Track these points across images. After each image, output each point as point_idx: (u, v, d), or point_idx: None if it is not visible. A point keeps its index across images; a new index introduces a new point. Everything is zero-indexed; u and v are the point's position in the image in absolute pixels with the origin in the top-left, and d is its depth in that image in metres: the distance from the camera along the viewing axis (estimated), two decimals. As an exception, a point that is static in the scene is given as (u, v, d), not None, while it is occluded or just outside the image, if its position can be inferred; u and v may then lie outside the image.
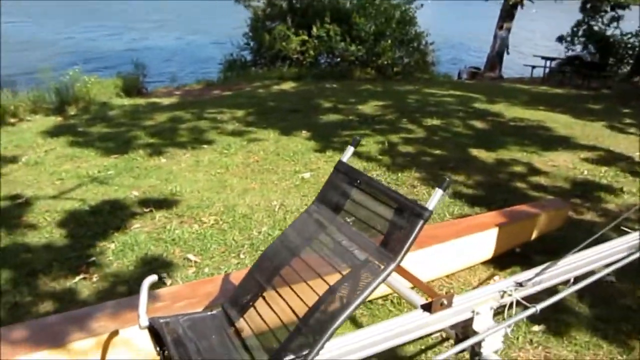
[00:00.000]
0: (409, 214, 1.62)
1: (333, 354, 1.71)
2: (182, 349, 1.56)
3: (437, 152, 5.33)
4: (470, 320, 1.97)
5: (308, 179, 4.57)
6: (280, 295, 1.77)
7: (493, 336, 1.96)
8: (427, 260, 2.90)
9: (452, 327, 2.04)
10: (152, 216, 3.87)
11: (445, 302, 1.87)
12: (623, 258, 2.26)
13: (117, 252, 3.37)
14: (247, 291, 1.86)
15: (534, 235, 3.31)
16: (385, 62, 10.72)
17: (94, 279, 3.09)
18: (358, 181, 1.86)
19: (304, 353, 1.50)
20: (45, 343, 1.97)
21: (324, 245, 1.81)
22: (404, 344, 2.08)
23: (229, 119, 6.75)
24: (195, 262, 3.25)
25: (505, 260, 3.20)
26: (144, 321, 1.63)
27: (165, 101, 8.32)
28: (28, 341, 1.96)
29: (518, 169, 4.91)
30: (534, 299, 2.00)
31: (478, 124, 6.50)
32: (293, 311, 1.66)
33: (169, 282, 3.05)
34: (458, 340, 2.03)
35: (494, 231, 3.09)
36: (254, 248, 3.39)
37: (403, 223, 1.62)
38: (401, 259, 1.58)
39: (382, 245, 1.66)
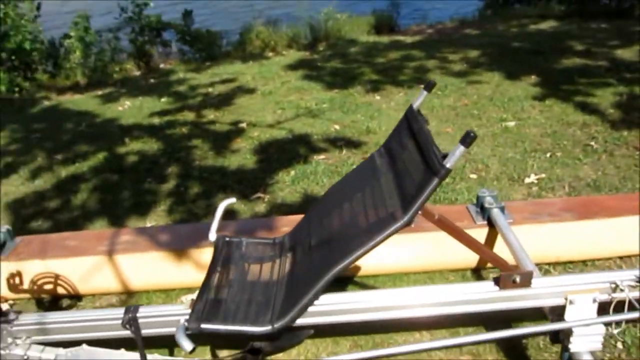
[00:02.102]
0: (428, 170, 1.45)
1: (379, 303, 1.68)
2: (226, 268, 1.71)
3: (692, 110, 4.33)
4: (562, 308, 1.69)
5: (511, 128, 4.21)
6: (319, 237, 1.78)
7: (590, 333, 1.66)
8: (596, 233, 2.49)
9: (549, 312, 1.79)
10: (340, 150, 4.07)
11: (518, 279, 1.64)
12: None
13: (294, 179, 3.67)
14: (301, 228, 1.91)
15: None
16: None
17: (266, 199, 3.45)
18: (414, 129, 1.71)
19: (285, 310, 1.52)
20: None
21: (368, 195, 1.74)
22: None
23: (459, 59, 6.49)
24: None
25: None
26: (212, 236, 1.82)
27: (409, 39, 8.32)
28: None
29: None
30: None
31: None
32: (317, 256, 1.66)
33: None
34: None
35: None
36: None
37: (421, 179, 1.47)
38: (409, 219, 1.44)
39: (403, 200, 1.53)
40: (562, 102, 4.67)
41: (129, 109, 5.78)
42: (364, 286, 2.54)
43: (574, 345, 1.67)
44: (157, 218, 3.39)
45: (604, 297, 1.69)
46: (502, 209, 2.47)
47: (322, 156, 4.00)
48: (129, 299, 2.59)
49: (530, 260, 2.08)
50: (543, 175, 3.43)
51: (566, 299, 1.69)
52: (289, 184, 3.63)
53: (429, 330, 2.27)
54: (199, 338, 1.64)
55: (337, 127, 4.57)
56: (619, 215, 2.47)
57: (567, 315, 1.69)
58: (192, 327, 1.57)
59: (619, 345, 2.17)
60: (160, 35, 7.91)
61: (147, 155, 4.39)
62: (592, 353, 1.69)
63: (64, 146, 4.79)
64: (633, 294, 1.68)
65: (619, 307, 1.72)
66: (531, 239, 2.46)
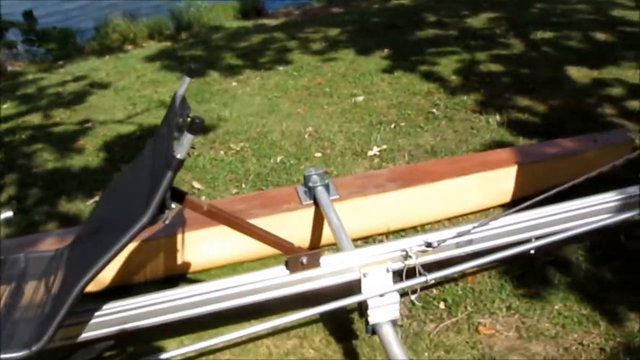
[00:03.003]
0: (165, 163, 1.36)
1: (169, 304, 1.58)
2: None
3: (525, 71, 4.57)
4: (358, 282, 1.67)
5: (360, 102, 4.25)
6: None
7: (386, 303, 1.64)
8: (420, 199, 2.53)
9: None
10: (188, 141, 3.89)
11: (305, 260, 1.59)
12: (582, 226, 1.73)
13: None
14: (77, 234, 1.77)
15: (574, 176, 2.69)
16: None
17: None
18: (168, 117, 1.61)
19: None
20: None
21: (127, 194, 1.62)
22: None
23: (320, 38, 6.48)
24: (198, 189, 3.23)
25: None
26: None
27: (274, 22, 8.22)
28: None
29: (617, 90, 4.02)
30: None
31: (600, 36, 5.41)
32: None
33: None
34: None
35: (509, 170, 2.58)
36: (260, 178, 3.27)
37: (159, 173, 1.37)
38: (149, 218, 1.34)
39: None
40: (410, 72, 4.78)
41: (-37, 120, 5.25)
42: (192, 282, 2.43)
43: (372, 317, 1.66)
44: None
45: (397, 266, 1.69)
46: (327, 187, 2.44)
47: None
48: None
49: (347, 237, 2.07)
50: (385, 147, 3.47)
51: (360, 272, 1.67)
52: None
53: (259, 318, 2.20)
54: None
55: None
56: (441, 179, 2.53)
57: (363, 288, 1.67)
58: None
59: (441, 305, 2.22)
60: (4, 36, 7.27)
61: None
62: (392, 322, 1.69)
63: None
64: (424, 259, 1.69)
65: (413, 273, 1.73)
66: (359, 212, 2.47)
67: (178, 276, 2.48)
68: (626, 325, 2.03)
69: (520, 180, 2.57)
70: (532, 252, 1.81)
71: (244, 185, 3.21)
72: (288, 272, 1.64)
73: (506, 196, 2.61)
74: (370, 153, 3.42)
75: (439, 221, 2.65)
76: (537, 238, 1.81)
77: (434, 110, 3.94)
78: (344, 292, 1.77)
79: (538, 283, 2.27)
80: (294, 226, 2.41)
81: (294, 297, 1.81)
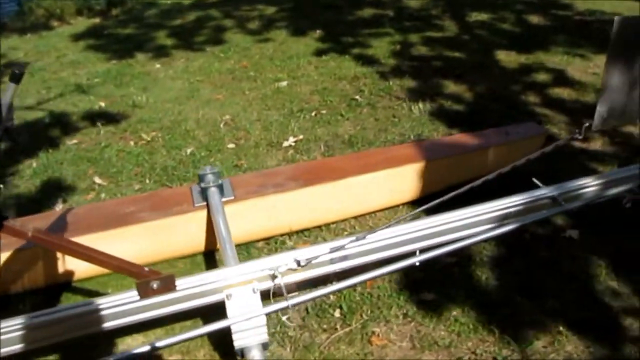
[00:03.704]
0: None
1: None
2: None
3: (455, 54, 4.48)
4: (223, 304, 1.52)
5: (283, 88, 4.07)
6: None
7: (253, 327, 1.50)
8: (322, 198, 2.39)
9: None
10: (97, 131, 3.67)
11: (156, 285, 1.43)
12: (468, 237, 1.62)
13: (36, 171, 3.23)
14: None
15: (488, 170, 2.60)
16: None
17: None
18: None
19: None
20: None
21: None
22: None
23: (255, 16, 6.25)
24: (100, 185, 3.02)
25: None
26: None
27: (212, -2, 7.90)
28: None
29: (542, 77, 3.97)
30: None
31: (534, 19, 5.37)
32: None
33: (59, 207, 2.85)
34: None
35: (415, 167, 2.46)
36: (167, 172, 3.07)
37: None
38: None
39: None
40: (340, 55, 4.63)
41: None
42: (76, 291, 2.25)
43: (238, 341, 1.52)
44: None
45: (265, 286, 1.55)
46: (221, 187, 2.28)
47: (75, 140, 3.57)
48: None
49: (231, 246, 1.92)
50: (302, 137, 3.32)
51: (224, 294, 1.52)
52: (27, 178, 3.18)
53: (142, 332, 2.05)
54: None
55: (102, 104, 4.14)
56: (344, 177, 2.40)
57: (229, 311, 1.53)
58: None
59: (337, 313, 2.11)
60: None
61: None
62: (262, 345, 1.55)
63: None
64: (294, 277, 1.56)
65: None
66: (258, 213, 2.33)
67: (61, 285, 2.29)
68: (521, 333, 1.96)
69: (428, 177, 2.47)
70: (417, 264, 1.69)
71: (147, 181, 3.01)
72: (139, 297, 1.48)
73: (413, 193, 2.50)
74: (285, 144, 3.26)
75: (345, 220, 2.53)
76: (423, 250, 1.70)
77: (358, 96, 3.80)
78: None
79: (438, 287, 2.18)
80: (186, 230, 2.25)
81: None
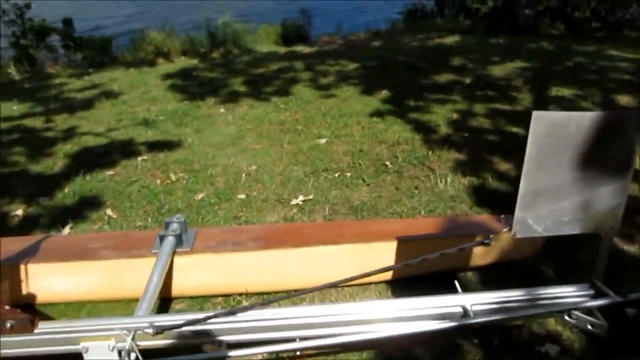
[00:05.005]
0: None
1: None
2: None
3: (513, 129, 4.20)
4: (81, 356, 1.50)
5: (320, 145, 4.06)
6: None
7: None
8: (281, 263, 2.32)
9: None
10: (136, 165, 3.87)
11: (11, 324, 1.44)
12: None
13: (66, 195, 3.47)
14: None
15: (481, 262, 2.38)
16: (582, 15, 8.73)
17: (23, 213, 3.24)
18: None
19: None
20: None
21: None
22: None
23: (334, 71, 6.35)
24: (109, 217, 3.17)
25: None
26: None
27: (307, 50, 8.20)
28: None
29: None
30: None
31: (622, 99, 4.92)
32: None
33: (66, 231, 3.02)
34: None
35: (387, 245, 2.30)
36: (171, 214, 3.14)
37: None
38: None
39: None
40: (393, 118, 4.54)
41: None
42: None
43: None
44: None
45: (123, 345, 1.50)
46: (179, 237, 2.28)
47: (111, 171, 3.79)
48: None
49: (150, 300, 1.90)
50: (311, 197, 3.26)
51: (82, 346, 1.50)
52: (57, 199, 3.43)
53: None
54: None
55: (155, 139, 4.37)
56: (306, 245, 2.30)
57: (86, 364, 1.50)
58: None
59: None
60: (44, 39, 7.66)
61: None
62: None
63: None
64: (151, 343, 1.49)
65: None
66: (214, 269, 2.31)
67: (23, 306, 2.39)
68: None
69: (401, 257, 2.29)
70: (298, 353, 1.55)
71: (150, 220, 3.11)
72: (-7, 337, 1.50)
73: (383, 273, 2.33)
74: (293, 202, 3.22)
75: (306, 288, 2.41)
76: (303, 339, 1.56)
77: (389, 162, 3.68)
78: None
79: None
80: (135, 273, 2.26)
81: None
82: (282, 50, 8.31)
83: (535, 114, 1.40)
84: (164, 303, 2.39)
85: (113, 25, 11.53)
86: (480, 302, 1.56)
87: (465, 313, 1.54)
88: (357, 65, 6.62)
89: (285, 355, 1.64)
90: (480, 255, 2.32)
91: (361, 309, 1.61)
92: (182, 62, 7.60)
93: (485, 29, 9.04)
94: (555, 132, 1.43)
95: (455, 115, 4.58)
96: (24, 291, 2.33)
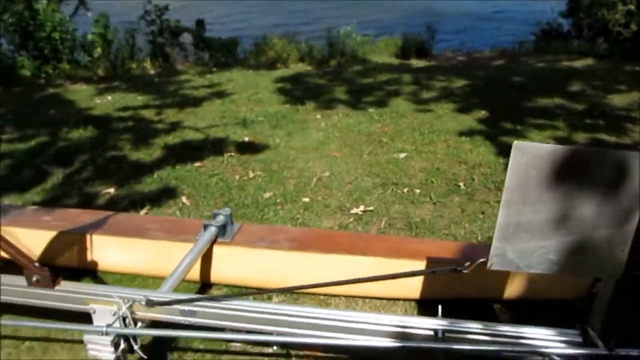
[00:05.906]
0: None
1: None
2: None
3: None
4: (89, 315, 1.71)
5: (399, 159, 4.06)
6: None
7: (103, 343, 1.66)
8: (310, 266, 2.41)
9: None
10: (222, 160, 4.15)
11: (36, 279, 1.67)
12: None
13: (155, 180, 3.82)
14: None
15: (511, 296, 2.28)
16: None
17: (113, 193, 3.62)
18: None
19: None
20: None
21: None
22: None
23: (440, 87, 6.29)
24: (183, 204, 3.44)
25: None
26: None
27: (421, 64, 8.16)
28: None
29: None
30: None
31: None
32: None
33: (144, 212, 3.33)
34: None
35: (413, 264, 2.29)
36: (237, 208, 3.34)
37: None
38: None
39: None
40: (484, 139, 4.40)
41: (104, 102, 6.20)
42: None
43: (92, 352, 1.66)
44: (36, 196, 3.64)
45: (124, 312, 1.67)
46: (223, 228, 2.45)
47: (199, 163, 4.09)
48: None
49: (175, 279, 2.07)
50: (372, 208, 3.29)
51: (90, 307, 1.69)
52: (146, 184, 3.77)
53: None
54: None
55: (247, 138, 4.64)
56: (332, 252, 2.36)
57: (94, 322, 1.69)
58: None
59: None
60: (177, 38, 8.38)
61: (80, 142, 4.71)
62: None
63: (17, 127, 5.23)
64: (147, 314, 1.64)
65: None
66: (247, 262, 2.46)
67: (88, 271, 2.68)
68: None
69: (427, 280, 2.26)
70: (275, 348, 1.62)
71: (215, 210, 3.31)
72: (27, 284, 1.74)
73: (408, 291, 2.32)
74: (353, 211, 3.27)
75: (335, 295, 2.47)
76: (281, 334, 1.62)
77: (462, 184, 3.60)
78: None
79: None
80: (180, 256, 2.45)
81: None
82: (396, 62, 8.34)
83: (516, 143, 1.35)
84: (205, 287, 2.56)
85: (248, 27, 12.21)
86: (454, 329, 1.52)
87: (436, 337, 1.50)
88: (465, 83, 6.48)
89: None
90: (515, 289, 2.22)
91: (329, 314, 1.65)
92: (297, 68, 7.91)
93: (624, 54, 8.37)
94: (540, 165, 1.37)
95: (549, 142, 4.33)
96: (88, 258, 2.62)
